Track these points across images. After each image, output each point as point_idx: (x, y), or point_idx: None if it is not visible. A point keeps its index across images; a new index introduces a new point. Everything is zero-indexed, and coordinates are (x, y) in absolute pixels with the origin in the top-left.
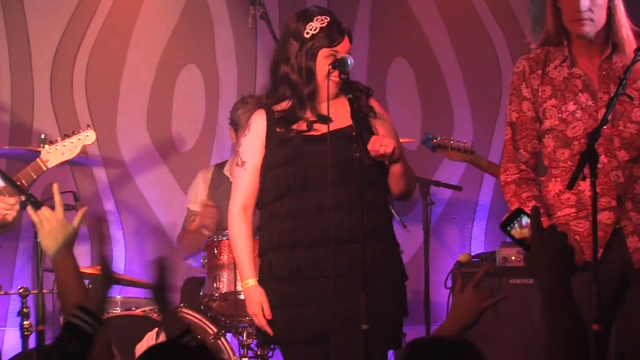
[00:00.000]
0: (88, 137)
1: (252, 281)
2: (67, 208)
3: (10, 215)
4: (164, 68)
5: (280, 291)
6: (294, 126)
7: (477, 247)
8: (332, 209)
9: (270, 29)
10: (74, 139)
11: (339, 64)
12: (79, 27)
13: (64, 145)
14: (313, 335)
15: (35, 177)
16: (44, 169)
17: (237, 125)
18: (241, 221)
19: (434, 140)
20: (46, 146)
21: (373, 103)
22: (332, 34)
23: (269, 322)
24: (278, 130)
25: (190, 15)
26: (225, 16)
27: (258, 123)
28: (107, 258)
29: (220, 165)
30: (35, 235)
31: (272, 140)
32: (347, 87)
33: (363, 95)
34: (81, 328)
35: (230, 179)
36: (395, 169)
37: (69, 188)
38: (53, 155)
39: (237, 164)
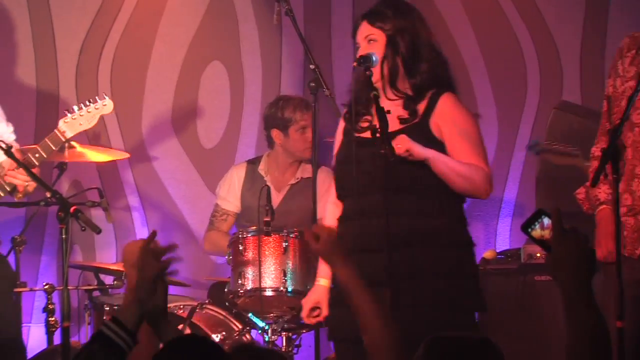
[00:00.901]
0: (106, 106)
1: (321, 280)
2: (92, 204)
3: (32, 186)
4: (189, 64)
5: (333, 290)
6: (363, 124)
7: (502, 243)
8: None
9: (295, 25)
10: (91, 108)
11: (363, 60)
12: (105, 23)
13: (82, 115)
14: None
15: (54, 148)
16: (63, 139)
17: (288, 124)
18: (329, 216)
19: (539, 145)
20: (68, 116)
21: (448, 99)
22: (355, 25)
23: (328, 317)
24: (348, 129)
25: (215, 11)
26: (250, 12)
27: (341, 121)
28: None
29: (253, 162)
30: (61, 232)
31: (345, 136)
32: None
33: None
34: (113, 341)
35: (265, 178)
36: (433, 169)
37: (94, 184)
38: (70, 125)
39: None
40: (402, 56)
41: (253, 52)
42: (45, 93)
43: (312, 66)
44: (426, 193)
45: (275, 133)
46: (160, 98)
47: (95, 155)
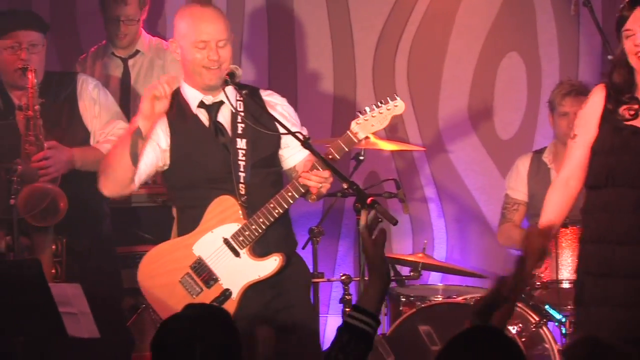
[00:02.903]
0: (397, 107)
1: None
2: (389, 196)
3: (325, 187)
4: (486, 56)
5: (595, 286)
6: (623, 109)
7: None
8: None
9: (593, 16)
10: (382, 109)
11: None
12: (402, 14)
13: (373, 117)
14: (628, 337)
15: (346, 149)
16: (355, 140)
17: (552, 108)
18: (557, 190)
19: None
20: (360, 117)
21: None
22: (627, 11)
23: (583, 317)
24: (614, 114)
25: (512, 2)
26: (548, 3)
27: (596, 98)
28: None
29: (539, 152)
30: (357, 223)
31: (606, 122)
32: None
33: None
34: (358, 328)
35: (549, 166)
36: None
37: (391, 176)
38: (362, 127)
39: (570, 137)
40: None
41: (550, 43)
42: (342, 85)
43: (610, 57)
44: None
45: (549, 117)
46: (457, 90)
47: (389, 145)
